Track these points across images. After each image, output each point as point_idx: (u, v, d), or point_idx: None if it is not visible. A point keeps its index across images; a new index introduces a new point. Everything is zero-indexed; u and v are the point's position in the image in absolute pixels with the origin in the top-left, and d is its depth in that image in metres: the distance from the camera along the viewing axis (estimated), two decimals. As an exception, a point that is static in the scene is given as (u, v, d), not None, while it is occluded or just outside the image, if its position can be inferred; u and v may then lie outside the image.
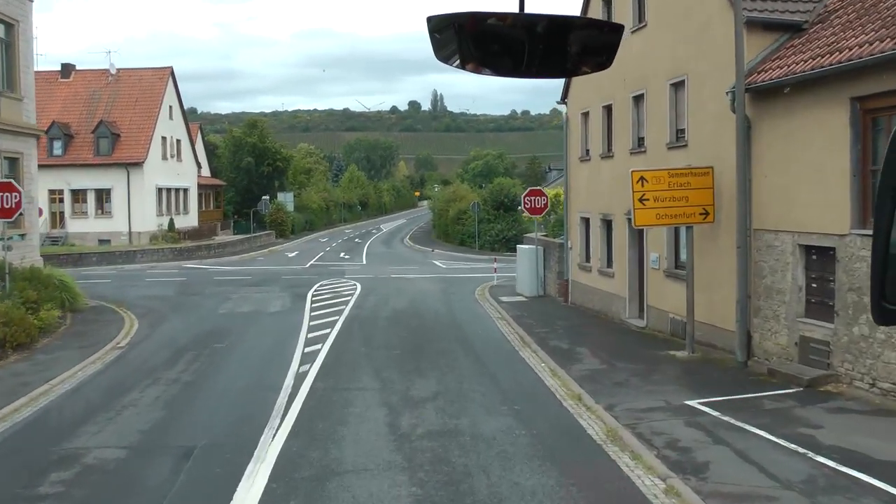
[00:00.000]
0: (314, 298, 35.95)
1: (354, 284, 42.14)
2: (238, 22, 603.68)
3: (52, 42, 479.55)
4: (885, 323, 2.77)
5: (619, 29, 2.86)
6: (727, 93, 20.42)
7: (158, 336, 26.79)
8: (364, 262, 60.87)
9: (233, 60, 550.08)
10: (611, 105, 29.01)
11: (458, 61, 2.80)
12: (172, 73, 71.55)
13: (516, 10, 2.79)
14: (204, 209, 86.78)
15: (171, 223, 67.58)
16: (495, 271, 43.86)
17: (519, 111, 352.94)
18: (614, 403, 16.72)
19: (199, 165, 78.65)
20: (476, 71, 2.82)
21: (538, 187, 38.90)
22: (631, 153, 26.90)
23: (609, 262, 29.41)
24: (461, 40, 2.71)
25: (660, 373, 19.95)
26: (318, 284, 42.18)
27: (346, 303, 34.29)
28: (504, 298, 35.37)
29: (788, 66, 18.96)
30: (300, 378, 19.48)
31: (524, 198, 36.69)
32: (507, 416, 16.05)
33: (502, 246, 69.31)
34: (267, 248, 72.62)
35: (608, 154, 29.34)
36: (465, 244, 74.24)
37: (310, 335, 25.84)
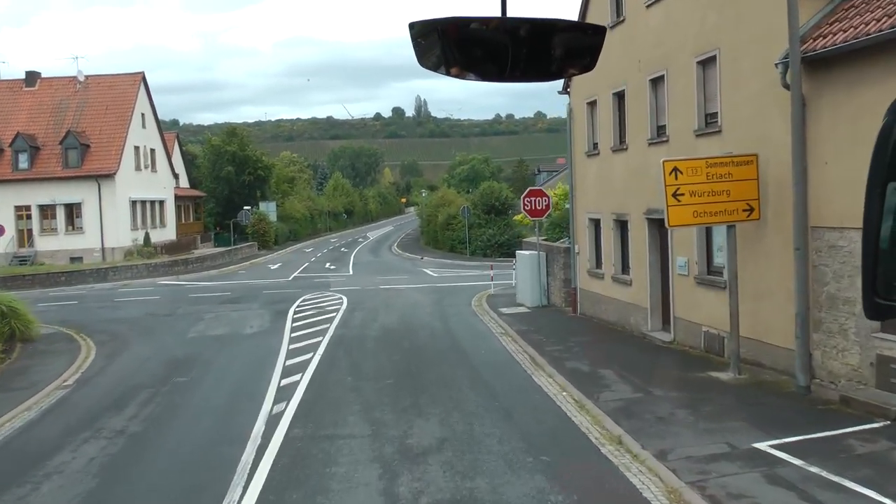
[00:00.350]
0: (296, 316, 32.39)
1: (340, 298, 38.61)
2: (219, 32, 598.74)
3: (28, 56, 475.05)
4: (877, 318, 2.87)
5: (601, 31, 2.83)
6: (777, 64, 16.91)
7: (115, 369, 23.13)
8: (350, 272, 57.32)
9: (214, 71, 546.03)
10: (623, 91, 25.51)
11: (442, 67, 2.72)
12: (144, 79, 67.86)
13: (499, 14, 2.74)
14: (183, 222, 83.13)
15: (147, 237, 63.89)
16: (492, 279, 40.40)
17: (503, 115, 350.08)
18: (666, 449, 13.21)
19: (175, 176, 74.97)
20: (460, 76, 2.75)
21: (538, 187, 35.26)
22: (649, 144, 23.37)
23: (625, 268, 25.84)
24: (444, 46, 2.63)
25: (709, 402, 16.41)
26: (300, 299, 38.63)
27: (331, 320, 30.72)
28: (505, 310, 31.89)
29: (856, 28, 15.49)
30: (273, 422, 15.89)
31: (524, 199, 33.14)
32: (535, 474, 12.46)
33: (494, 251, 65.94)
34: (249, 260, 68.97)
35: (621, 147, 25.80)
36: (455, 250, 70.77)
37: (288, 362, 22.25)
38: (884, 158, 2.57)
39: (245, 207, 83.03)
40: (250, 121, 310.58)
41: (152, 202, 68.53)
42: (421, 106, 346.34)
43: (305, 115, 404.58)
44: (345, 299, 37.95)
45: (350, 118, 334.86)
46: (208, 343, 26.98)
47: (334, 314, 32.53)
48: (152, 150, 68.83)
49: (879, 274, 2.64)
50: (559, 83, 31.51)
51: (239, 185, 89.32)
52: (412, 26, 2.77)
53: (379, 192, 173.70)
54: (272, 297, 40.32)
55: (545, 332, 25.82)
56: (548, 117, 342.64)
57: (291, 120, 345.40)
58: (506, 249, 65.90)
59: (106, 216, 61.43)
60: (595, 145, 28.21)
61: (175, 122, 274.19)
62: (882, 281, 2.64)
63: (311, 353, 23.40)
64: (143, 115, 67.08)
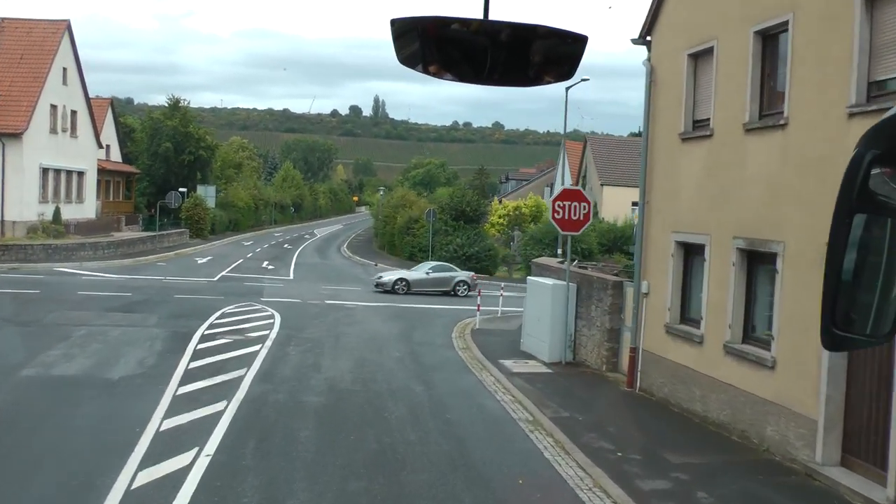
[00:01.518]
0: (200, 347, 21.50)
1: (272, 317, 27.92)
2: (179, 16, 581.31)
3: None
4: (833, 348, 2.78)
5: (582, 39, 2.75)
6: None
7: None
8: (291, 275, 46.38)
9: (173, 55, 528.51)
10: (775, 30, 14.70)
11: (420, 65, 2.67)
12: (69, 29, 56.16)
13: (480, 16, 2.72)
14: (111, 199, 71.50)
15: (58, 213, 52.23)
16: (479, 309, 29.87)
17: (461, 123, 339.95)
18: None
19: (100, 146, 63.22)
20: (438, 75, 2.70)
21: (574, 187, 24.25)
22: (850, 114, 12.44)
23: (759, 335, 15.05)
24: (424, 44, 2.59)
25: None
26: (218, 314, 27.82)
27: (250, 361, 19.87)
28: (511, 364, 21.33)
29: None
30: None
31: (553, 203, 22.18)
32: None
33: (461, 264, 55.28)
34: (175, 249, 57.65)
35: (767, 121, 14.75)
36: (415, 258, 60.00)
37: (141, 477, 11.34)
38: (852, 189, 2.40)
39: (180, 189, 71.64)
40: (206, 106, 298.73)
41: (69, 172, 56.86)
42: (379, 106, 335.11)
43: (262, 105, 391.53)
44: (277, 320, 27.24)
45: (307, 112, 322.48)
46: (36, 398, 15.86)
47: (257, 348, 21.70)
48: (73, 112, 57.19)
49: (839, 305, 2.50)
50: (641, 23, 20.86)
51: (177, 164, 77.67)
52: (393, 23, 2.66)
53: (331, 188, 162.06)
54: (181, 307, 29.44)
55: (608, 432, 15.06)
56: (505, 128, 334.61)
57: (248, 109, 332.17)
58: (474, 264, 55.47)
59: (9, 183, 49.80)
60: (702, 123, 17.04)
61: (130, 101, 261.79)
62: (841, 312, 2.51)
63: (192, 454, 12.36)
64: (64, 69, 55.48)
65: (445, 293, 40.08)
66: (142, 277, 39.57)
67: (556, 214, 21.94)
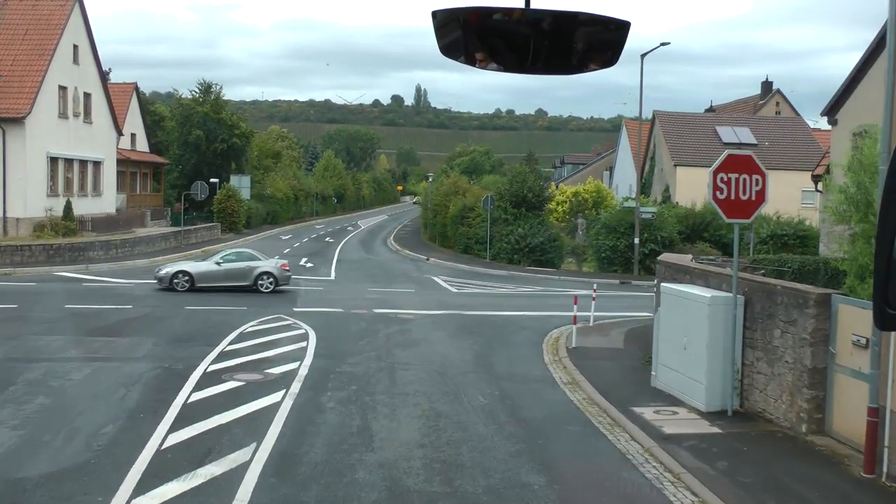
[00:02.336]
0: (192, 400, 14.30)
1: (304, 337, 20.85)
2: (218, 8, 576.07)
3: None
4: (886, 328, 2.84)
5: (625, 25, 2.66)
6: None
7: None
8: (332, 274, 39.24)
9: (214, 49, 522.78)
10: None
11: (462, 56, 2.63)
12: (81, 2, 49.44)
13: (522, 5, 2.65)
14: (138, 192, 65.01)
15: (69, 207, 45.45)
16: (575, 321, 22.64)
17: (503, 110, 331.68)
18: None
19: (120, 133, 56.44)
20: (481, 66, 2.65)
21: (744, 152, 16.46)
22: None
23: None
24: (466, 35, 2.55)
25: None
26: (234, 335, 20.77)
27: (263, 427, 12.69)
28: (653, 417, 14.04)
29: None
30: None
31: (714, 175, 14.58)
32: None
33: (524, 258, 48.01)
34: (203, 246, 50.73)
35: None
36: (470, 251, 52.77)
37: None
38: None
39: (212, 180, 64.85)
40: (248, 99, 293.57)
41: (83, 162, 50.19)
42: (421, 95, 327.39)
43: (303, 97, 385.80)
44: (311, 342, 20.15)
45: (348, 103, 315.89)
46: None
47: (278, 398, 14.50)
48: (87, 95, 50.47)
49: (891, 285, 2.56)
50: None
51: (210, 153, 71.01)
52: (435, 14, 2.60)
53: (374, 178, 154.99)
54: (188, 326, 22.49)
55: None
56: (549, 115, 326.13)
57: (289, 101, 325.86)
58: (538, 256, 48.12)
59: (11, 174, 43.19)
60: None
61: (170, 95, 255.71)
62: (893, 291, 2.57)
63: None
64: (75, 47, 48.74)
65: (245, 289, 30.86)
66: (154, 282, 32.64)
67: (717, 193, 14.44)
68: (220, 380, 15.78)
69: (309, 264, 43.72)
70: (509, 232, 49.14)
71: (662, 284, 16.64)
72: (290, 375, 16.39)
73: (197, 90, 73.67)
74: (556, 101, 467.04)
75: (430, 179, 76.92)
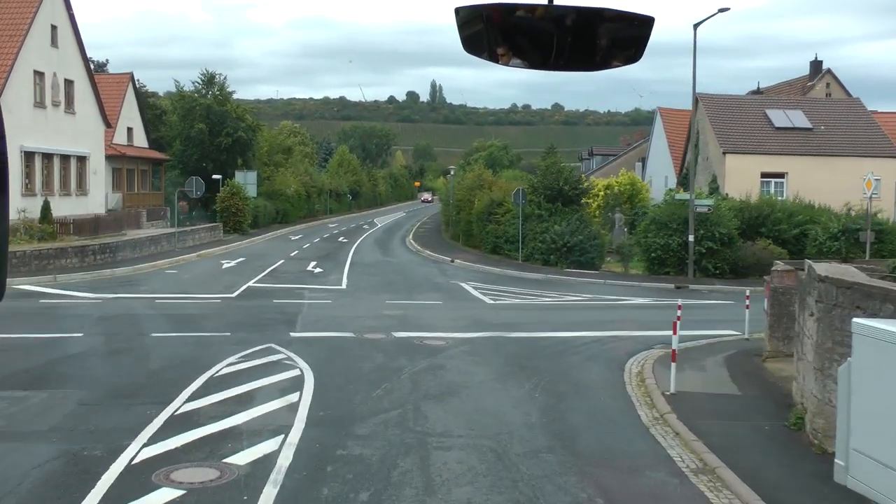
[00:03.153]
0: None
1: (297, 384, 14.65)
2: (232, 8, 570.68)
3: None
4: None
5: (649, 21, 2.59)
6: None
7: None
8: (344, 283, 32.95)
9: (228, 49, 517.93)
10: None
11: (485, 53, 2.58)
12: (59, -22, 43.50)
13: (545, 1, 2.58)
14: (135, 191, 59.02)
15: (47, 208, 39.27)
16: (675, 357, 16.44)
17: (519, 105, 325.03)
18: None
19: (108, 125, 50.40)
20: (504, 63, 2.59)
21: None
22: None
23: None
24: (488, 32, 2.50)
25: None
26: (197, 384, 14.53)
27: None
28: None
29: None
30: None
31: None
32: None
33: (561, 258, 41.74)
34: (200, 250, 44.62)
35: None
36: (499, 251, 46.48)
37: None
38: None
39: (214, 176, 58.82)
40: (263, 98, 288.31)
41: (64, 157, 44.18)
42: (436, 91, 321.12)
43: (318, 95, 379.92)
44: (306, 392, 14.02)
45: (363, 100, 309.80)
46: None
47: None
48: (69, 83, 44.45)
49: None
50: None
51: (213, 148, 65.05)
52: (457, 11, 2.56)
53: (390, 174, 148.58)
54: (144, 365, 16.41)
55: None
56: (565, 109, 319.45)
57: (304, 99, 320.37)
58: (577, 256, 41.82)
59: (-22, 172, 37.05)
60: None
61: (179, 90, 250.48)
62: None
63: None
64: (53, 27, 42.70)
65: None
66: (125, 297, 26.54)
67: None
68: (146, 485, 9.57)
69: (318, 269, 37.51)
70: (544, 229, 42.85)
71: (860, 322, 10.18)
72: (264, 467, 10.17)
73: (199, 81, 67.64)
74: (572, 96, 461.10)
75: (452, 173, 70.42)
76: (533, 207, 44.10)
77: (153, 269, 35.54)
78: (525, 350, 19.32)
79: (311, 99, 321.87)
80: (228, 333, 19.96)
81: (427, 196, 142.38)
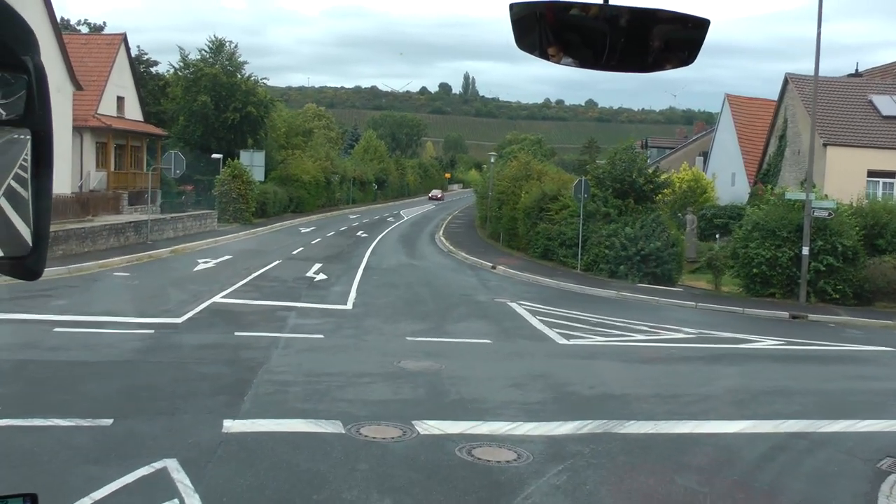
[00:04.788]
0: None
1: None
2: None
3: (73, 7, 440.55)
4: None
5: (704, 24, 2.43)
6: None
7: None
8: (350, 299, 23.00)
9: (261, 36, 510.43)
10: None
11: (537, 51, 2.41)
12: None
13: (600, 0, 2.40)
14: (127, 170, 49.75)
15: (-15, 186, 29.83)
16: None
17: (553, 101, 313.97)
18: None
19: (77, 87, 40.90)
20: (556, 61, 2.42)
21: None
22: None
23: None
24: (542, 30, 2.35)
25: None
26: None
27: None
28: None
29: None
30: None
31: None
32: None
33: (632, 269, 32.14)
34: (179, 243, 34.98)
35: None
36: (552, 256, 36.71)
37: None
38: None
39: (214, 156, 49.44)
40: (294, 85, 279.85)
41: (17, 124, 34.67)
42: (469, 84, 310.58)
43: (350, 84, 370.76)
44: None
45: (394, 90, 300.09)
46: None
47: None
48: (24, 31, 34.95)
49: None
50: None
51: (219, 124, 55.63)
52: (511, 7, 2.38)
53: (420, 163, 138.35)
54: None
55: None
56: (599, 106, 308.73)
57: (335, 88, 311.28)
58: (653, 267, 32.25)
59: None
60: None
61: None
62: None
63: None
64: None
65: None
66: (12, 320, 16.99)
67: None
68: None
69: (320, 276, 27.85)
70: (612, 232, 33.07)
71: None
72: None
73: (207, 49, 58.12)
74: (605, 93, 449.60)
75: (492, 160, 60.30)
76: (598, 204, 34.28)
77: (99, 269, 25.87)
78: (674, 478, 9.59)
79: (342, 88, 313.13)
80: (108, 421, 10.31)
81: (437, 193, 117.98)
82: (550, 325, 20.39)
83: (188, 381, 12.72)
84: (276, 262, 31.15)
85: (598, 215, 34.09)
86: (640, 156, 36.94)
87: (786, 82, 47.33)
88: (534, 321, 21.14)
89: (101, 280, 23.87)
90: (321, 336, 17.27)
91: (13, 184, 1.52)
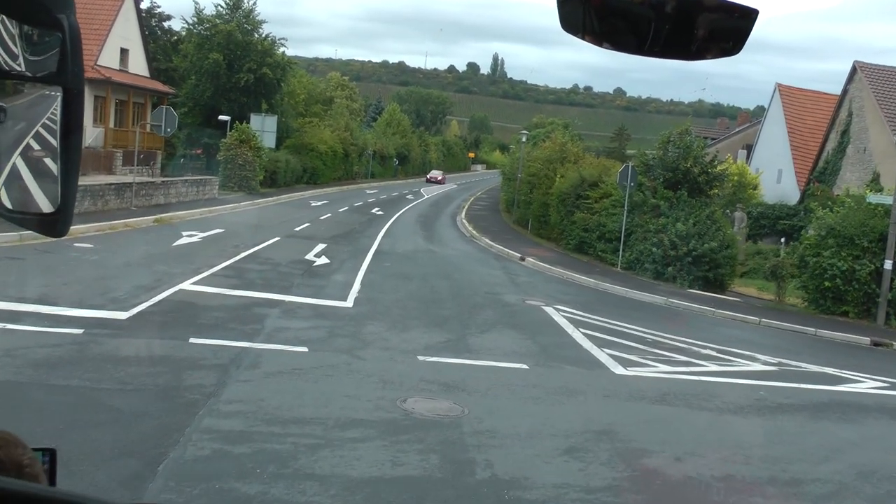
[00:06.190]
0: None
1: None
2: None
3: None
4: None
5: (752, 13, 2.12)
6: None
7: None
8: (352, 294, 18.63)
9: (294, 6, 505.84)
10: None
11: (581, 33, 2.15)
12: None
13: None
14: (129, 127, 45.40)
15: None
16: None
17: (581, 87, 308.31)
18: None
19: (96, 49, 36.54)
20: (598, 45, 2.14)
21: None
22: None
23: None
24: (586, 13, 2.10)
25: None
26: None
27: None
28: None
29: None
30: None
31: None
32: None
33: (682, 271, 27.82)
34: (171, 210, 30.69)
35: None
36: (587, 250, 32.34)
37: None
38: None
39: (221, 117, 45.20)
40: (322, 57, 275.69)
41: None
42: (498, 65, 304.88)
43: (377, 59, 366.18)
44: None
45: (422, 67, 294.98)
46: None
47: None
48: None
49: None
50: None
51: (230, 85, 51.27)
52: None
53: (443, 141, 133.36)
54: None
55: None
56: (627, 95, 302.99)
57: (362, 62, 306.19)
58: (705, 270, 27.99)
59: None
60: None
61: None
62: None
63: None
64: None
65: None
66: None
67: None
68: None
69: (321, 260, 23.48)
70: (661, 227, 28.61)
71: None
72: None
73: (224, 4, 53.65)
74: (634, 83, 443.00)
75: (524, 139, 55.50)
76: (646, 194, 29.82)
77: (59, 239, 21.65)
78: None
79: (369, 62, 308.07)
80: None
81: (438, 175, 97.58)
82: (599, 344, 15.99)
83: (84, 428, 8.37)
84: (274, 239, 26.79)
85: (646, 207, 29.64)
86: (698, 142, 32.26)
87: (853, 71, 42.47)
88: (577, 335, 16.76)
89: (53, 252, 19.53)
90: (304, 350, 12.90)
91: (42, 140, 1.57)
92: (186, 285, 16.89)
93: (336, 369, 11.99)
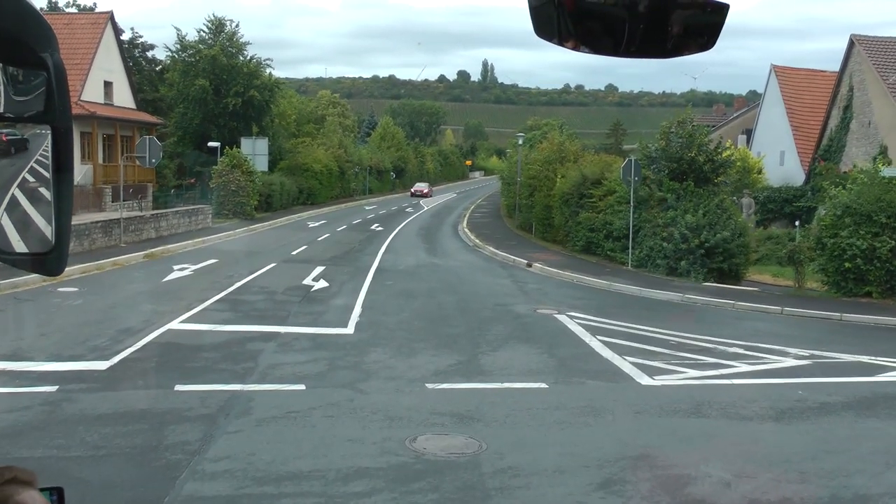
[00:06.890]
0: None
1: None
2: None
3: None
4: None
5: (723, 8, 2.17)
6: None
7: None
8: (353, 319, 17.49)
9: (282, 29, 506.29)
10: None
11: (556, 38, 2.16)
12: None
13: None
14: (117, 163, 44.31)
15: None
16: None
17: (572, 86, 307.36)
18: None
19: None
20: (575, 48, 2.14)
21: None
22: None
23: None
24: (560, 17, 2.11)
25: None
26: None
27: None
28: None
29: None
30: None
31: None
32: None
33: (695, 264, 26.64)
34: (163, 244, 29.52)
35: None
36: (595, 250, 31.17)
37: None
38: None
39: (210, 143, 44.15)
40: (312, 77, 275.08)
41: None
42: (488, 71, 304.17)
43: (367, 74, 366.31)
44: None
45: (413, 79, 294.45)
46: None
47: None
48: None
49: None
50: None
51: (219, 111, 50.24)
52: None
53: (440, 151, 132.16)
54: None
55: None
56: (619, 91, 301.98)
57: (353, 78, 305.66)
58: (719, 262, 26.80)
59: None
60: None
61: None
62: None
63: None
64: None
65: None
66: None
67: None
68: None
69: (319, 284, 22.30)
70: (670, 220, 27.41)
71: None
72: None
73: (205, 29, 52.67)
74: (625, 78, 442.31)
75: (520, 142, 54.33)
76: (652, 188, 28.65)
77: (43, 283, 20.29)
78: None
79: (360, 78, 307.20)
80: None
81: (423, 187, 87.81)
82: (620, 351, 14.82)
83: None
84: (270, 265, 25.63)
85: (652, 201, 28.45)
86: (701, 129, 31.05)
87: (851, 45, 41.28)
88: (595, 344, 15.58)
89: (35, 299, 18.39)
90: (302, 387, 11.72)
91: (34, 180, 1.57)
92: (175, 324, 15.73)
93: (337, 408, 10.81)
